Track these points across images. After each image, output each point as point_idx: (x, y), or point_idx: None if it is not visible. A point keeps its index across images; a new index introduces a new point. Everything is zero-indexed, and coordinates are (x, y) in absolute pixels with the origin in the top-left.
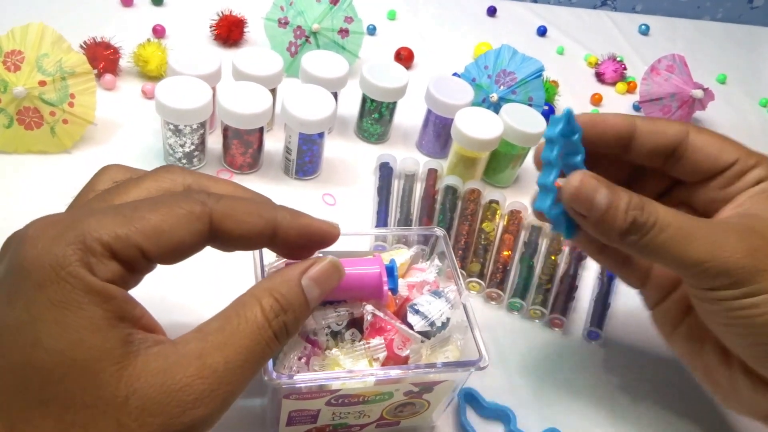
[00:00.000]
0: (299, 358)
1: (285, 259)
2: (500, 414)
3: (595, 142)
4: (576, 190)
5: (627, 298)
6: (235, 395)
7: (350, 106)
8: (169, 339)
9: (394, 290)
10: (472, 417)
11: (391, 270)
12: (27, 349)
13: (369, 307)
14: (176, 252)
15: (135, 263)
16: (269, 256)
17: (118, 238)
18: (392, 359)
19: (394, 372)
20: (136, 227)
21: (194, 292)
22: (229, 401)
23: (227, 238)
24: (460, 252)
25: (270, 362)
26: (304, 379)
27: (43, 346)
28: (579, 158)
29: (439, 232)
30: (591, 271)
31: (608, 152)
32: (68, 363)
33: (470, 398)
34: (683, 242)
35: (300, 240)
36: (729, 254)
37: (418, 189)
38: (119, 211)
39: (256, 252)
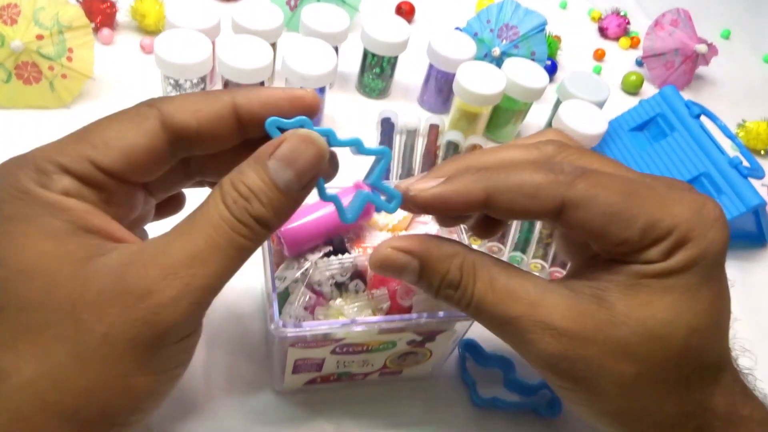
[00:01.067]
0: (304, 308)
1: None
2: (501, 363)
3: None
4: (384, 263)
5: None
6: (204, 284)
7: (351, 61)
8: (140, 242)
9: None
10: (472, 367)
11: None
12: None
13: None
14: (133, 158)
15: (93, 178)
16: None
17: (66, 154)
18: (396, 309)
19: (398, 320)
20: (84, 140)
21: None
22: (196, 290)
23: (189, 135)
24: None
25: (276, 311)
26: (310, 326)
27: None
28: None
29: None
30: None
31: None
32: (21, 269)
33: (471, 348)
34: (499, 326)
35: (266, 112)
36: (541, 351)
37: (420, 145)
38: (71, 133)
39: (264, 243)
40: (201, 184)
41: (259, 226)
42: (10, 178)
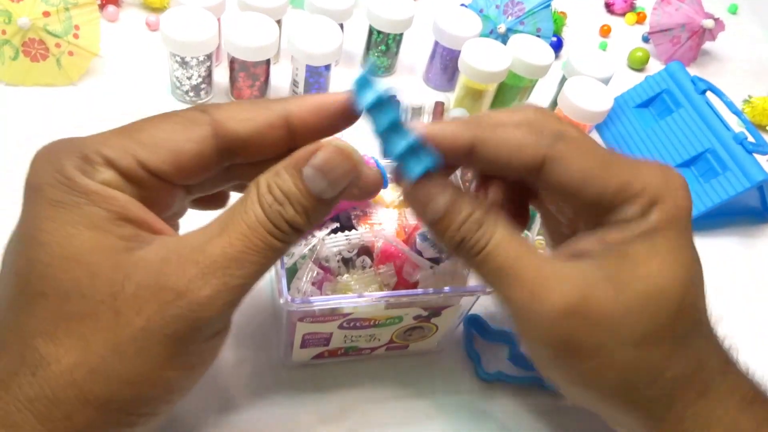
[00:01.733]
0: (312, 283)
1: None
2: (505, 337)
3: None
4: (414, 190)
5: None
6: (240, 284)
7: (356, 38)
8: (178, 235)
9: (384, 184)
10: (478, 341)
11: (380, 167)
12: (27, 246)
13: (380, 234)
14: (180, 162)
15: (138, 176)
16: None
17: (113, 148)
18: (402, 285)
19: (404, 295)
20: (132, 137)
21: None
22: (232, 289)
23: (239, 143)
24: (467, 183)
25: (285, 286)
26: (318, 301)
27: (40, 242)
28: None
29: None
30: None
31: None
32: (64, 256)
33: (476, 324)
34: (505, 281)
35: (319, 120)
36: (546, 311)
37: (425, 122)
38: (119, 128)
39: None
40: (240, 188)
41: (292, 229)
42: (56, 162)
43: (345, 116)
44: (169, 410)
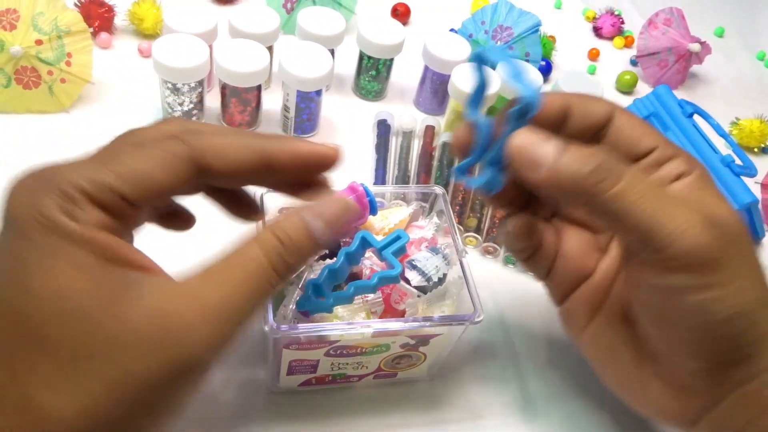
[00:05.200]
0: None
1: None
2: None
3: (539, 118)
4: (518, 147)
5: None
6: (235, 331)
7: (347, 63)
8: (168, 276)
9: (373, 211)
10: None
11: (368, 192)
12: (16, 295)
13: (368, 262)
14: (157, 194)
15: (116, 207)
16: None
17: (94, 183)
18: (390, 313)
19: (391, 324)
20: (111, 170)
21: None
22: (229, 336)
23: (215, 175)
24: (457, 207)
25: (270, 313)
26: (303, 328)
27: (31, 292)
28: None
29: (439, 190)
30: None
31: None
32: (58, 304)
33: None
34: (656, 207)
35: (295, 166)
36: (699, 234)
37: (416, 146)
38: (96, 158)
39: (260, 223)
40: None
41: (290, 273)
42: (36, 202)
43: (326, 167)
44: None
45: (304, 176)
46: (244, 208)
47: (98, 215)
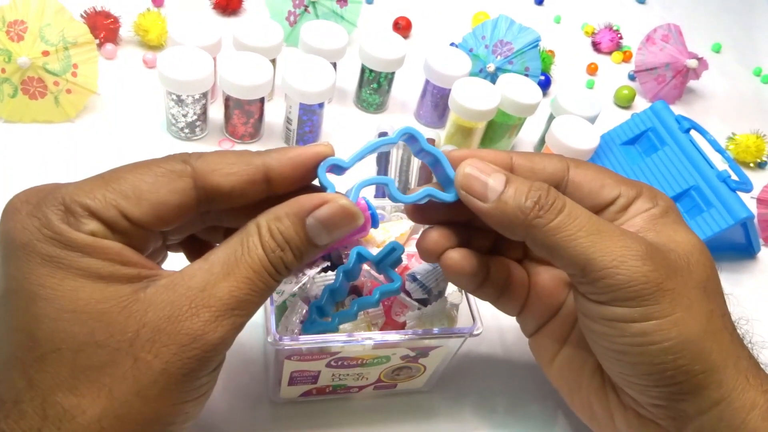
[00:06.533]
0: (301, 321)
1: None
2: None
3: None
4: (467, 175)
5: None
6: (243, 322)
7: (349, 76)
8: (175, 271)
9: (375, 224)
10: None
11: (370, 206)
12: (27, 305)
13: (368, 275)
14: (161, 213)
15: (121, 226)
16: None
17: (96, 199)
18: (390, 325)
19: (391, 337)
20: (113, 188)
21: None
22: (238, 328)
23: (218, 195)
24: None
25: (273, 324)
26: (306, 340)
27: (43, 298)
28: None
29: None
30: None
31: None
32: (73, 309)
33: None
34: (593, 240)
35: (297, 174)
36: (635, 267)
37: (416, 159)
38: (99, 176)
39: None
40: (215, 229)
41: (288, 270)
42: (40, 216)
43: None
44: None
45: (303, 181)
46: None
47: (99, 229)
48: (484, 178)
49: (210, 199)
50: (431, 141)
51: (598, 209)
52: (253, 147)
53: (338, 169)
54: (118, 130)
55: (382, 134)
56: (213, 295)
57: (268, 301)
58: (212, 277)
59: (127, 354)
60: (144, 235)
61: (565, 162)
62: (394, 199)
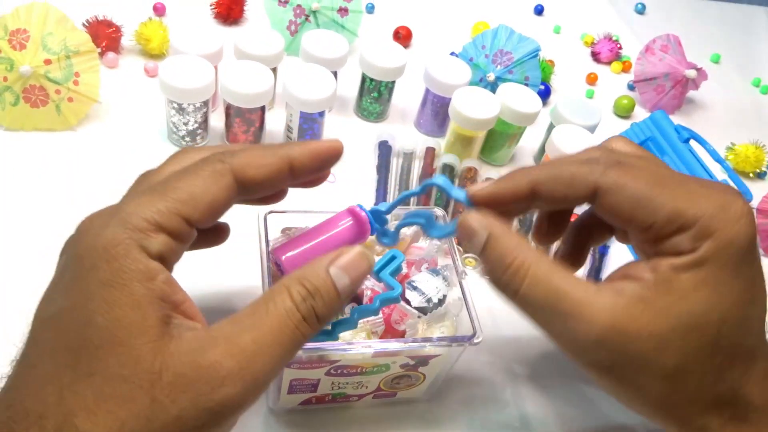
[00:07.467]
0: None
1: (283, 235)
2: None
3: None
4: (459, 226)
5: None
6: (267, 376)
7: (350, 84)
8: (205, 324)
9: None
10: None
11: (367, 214)
12: (81, 327)
13: (368, 283)
14: (213, 211)
15: (181, 231)
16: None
17: (161, 213)
18: (390, 333)
19: (391, 345)
20: (172, 198)
21: (203, 299)
22: (260, 381)
23: (253, 186)
24: (460, 210)
25: None
26: (306, 348)
27: (94, 324)
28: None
29: (439, 212)
30: None
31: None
32: (112, 338)
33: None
34: (541, 316)
35: (314, 163)
36: (582, 339)
37: (417, 167)
38: (153, 189)
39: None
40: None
41: (318, 322)
42: (108, 235)
43: (336, 159)
44: None
45: (318, 171)
46: (211, 237)
47: (167, 241)
48: (471, 233)
49: (246, 190)
50: (431, 150)
51: (641, 231)
52: None
53: (378, 214)
54: (120, 138)
55: (382, 143)
56: (237, 345)
57: None
58: (237, 328)
59: (146, 393)
60: (192, 232)
61: (600, 167)
62: (430, 236)
